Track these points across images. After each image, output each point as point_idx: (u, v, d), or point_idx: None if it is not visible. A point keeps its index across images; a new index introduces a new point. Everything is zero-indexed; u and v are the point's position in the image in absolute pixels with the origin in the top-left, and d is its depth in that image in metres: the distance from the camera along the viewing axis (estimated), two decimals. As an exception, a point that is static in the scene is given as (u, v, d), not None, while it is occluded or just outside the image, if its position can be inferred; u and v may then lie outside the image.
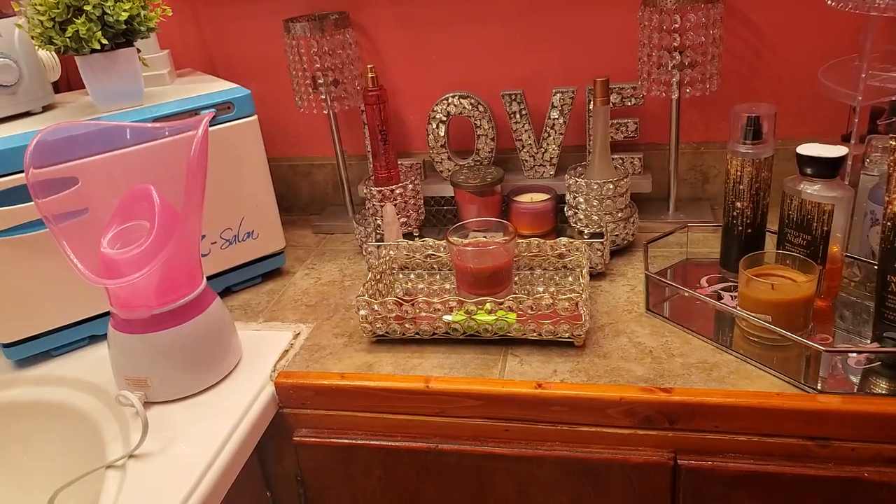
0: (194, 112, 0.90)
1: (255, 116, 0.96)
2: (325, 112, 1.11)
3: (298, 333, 0.90)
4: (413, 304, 0.84)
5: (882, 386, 0.71)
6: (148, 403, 0.77)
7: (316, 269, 1.08)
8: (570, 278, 0.94)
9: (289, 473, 0.86)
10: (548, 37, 1.09)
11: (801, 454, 0.71)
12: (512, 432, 0.78)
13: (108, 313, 0.78)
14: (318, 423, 0.82)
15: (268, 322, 0.94)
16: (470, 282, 0.87)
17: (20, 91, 0.92)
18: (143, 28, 0.88)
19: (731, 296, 0.86)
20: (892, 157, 0.70)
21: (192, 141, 0.73)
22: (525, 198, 1.06)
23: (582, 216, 0.99)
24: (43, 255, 0.83)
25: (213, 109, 0.91)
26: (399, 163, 1.09)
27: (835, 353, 0.75)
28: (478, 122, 1.11)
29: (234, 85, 0.97)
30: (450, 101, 1.10)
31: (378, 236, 1.04)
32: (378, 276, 0.92)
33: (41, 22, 0.84)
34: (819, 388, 0.70)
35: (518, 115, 1.09)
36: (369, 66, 1.02)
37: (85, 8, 0.83)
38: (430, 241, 0.97)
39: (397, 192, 1.04)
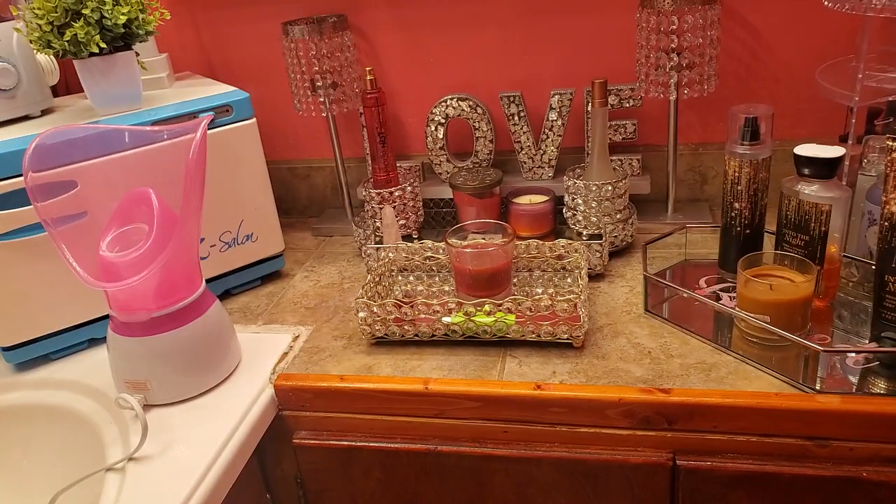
0: (193, 115, 0.91)
1: (254, 119, 0.96)
2: (324, 115, 1.11)
3: (298, 336, 0.91)
4: (412, 306, 0.84)
5: (880, 386, 0.71)
6: (147, 406, 0.78)
7: (315, 272, 1.08)
8: (568, 280, 0.94)
9: (288, 475, 0.86)
10: (546, 39, 1.10)
11: (800, 454, 0.71)
12: (511, 433, 0.78)
13: (107, 316, 0.78)
14: (318, 425, 0.82)
15: (267, 324, 0.94)
16: (469, 283, 0.87)
17: (19, 95, 0.92)
18: (141, 32, 0.89)
19: (730, 296, 0.86)
20: (889, 158, 0.70)
21: (190, 144, 0.73)
22: (524, 199, 1.06)
23: (581, 217, 0.99)
24: (42, 258, 0.83)
25: (211, 112, 0.91)
26: (398, 165, 1.09)
27: (833, 353, 0.75)
28: (476, 125, 1.11)
29: (233, 88, 0.97)
30: (448, 103, 1.10)
31: (377, 238, 1.04)
32: (377, 279, 0.92)
33: (39, 26, 0.84)
34: (817, 388, 0.71)
35: (516, 117, 1.09)
36: (368, 68, 1.02)
37: (83, 12, 0.83)
38: (429, 243, 0.97)
39: (396, 194, 1.04)
